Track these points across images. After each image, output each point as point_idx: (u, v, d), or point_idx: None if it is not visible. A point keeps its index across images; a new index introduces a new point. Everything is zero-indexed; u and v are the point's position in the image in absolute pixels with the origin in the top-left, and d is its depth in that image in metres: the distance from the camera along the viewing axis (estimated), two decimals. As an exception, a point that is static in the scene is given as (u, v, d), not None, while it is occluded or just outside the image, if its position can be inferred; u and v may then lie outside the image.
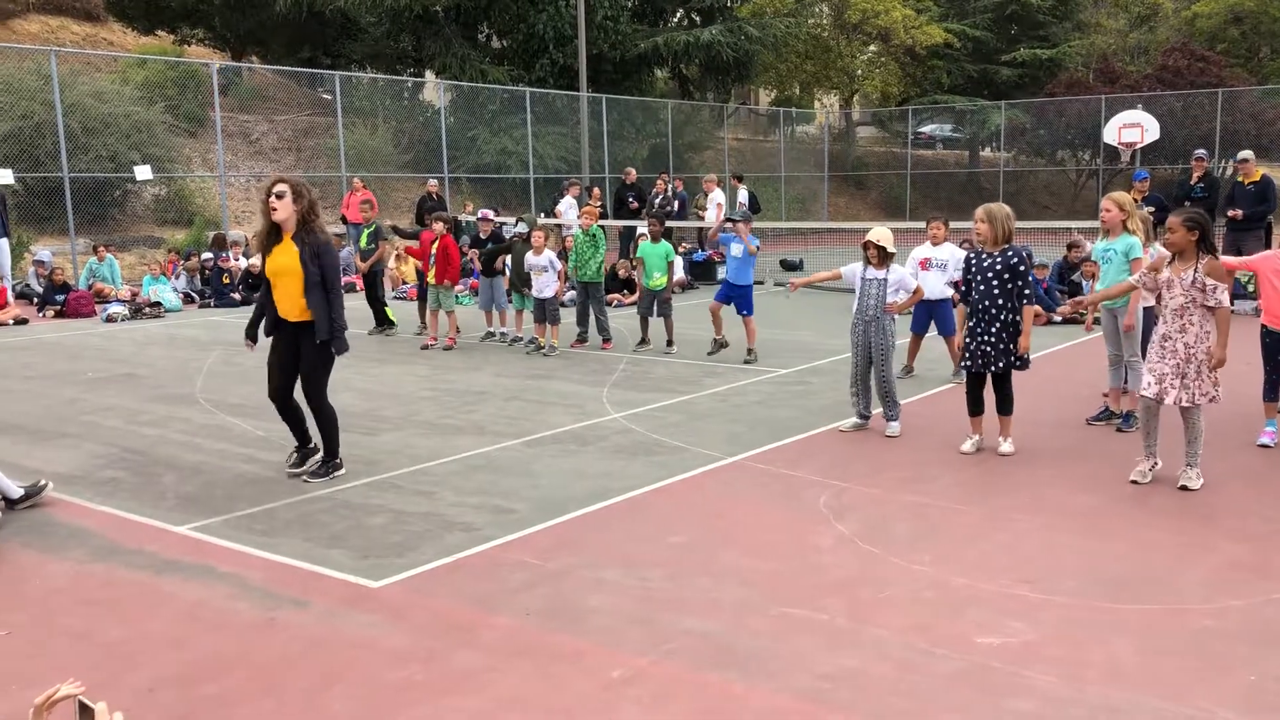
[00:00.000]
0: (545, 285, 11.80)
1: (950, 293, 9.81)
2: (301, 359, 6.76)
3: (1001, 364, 7.24)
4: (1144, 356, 6.96)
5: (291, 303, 6.63)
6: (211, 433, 8.25)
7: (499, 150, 25.77)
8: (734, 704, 3.89)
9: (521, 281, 12.20)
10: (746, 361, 10.81)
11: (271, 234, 6.64)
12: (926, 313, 9.81)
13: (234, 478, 6.96)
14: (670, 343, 11.83)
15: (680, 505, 6.31)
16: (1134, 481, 6.61)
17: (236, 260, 17.58)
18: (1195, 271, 6.33)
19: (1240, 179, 13.90)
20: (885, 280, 7.87)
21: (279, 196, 6.52)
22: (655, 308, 11.93)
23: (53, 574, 5.35)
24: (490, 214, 13.65)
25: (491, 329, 12.94)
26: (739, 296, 10.94)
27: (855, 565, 5.27)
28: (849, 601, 4.80)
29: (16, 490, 6.34)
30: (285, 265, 6.58)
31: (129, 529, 5.99)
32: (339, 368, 10.82)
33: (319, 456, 7.01)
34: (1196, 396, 6.35)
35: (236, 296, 16.73)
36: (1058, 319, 13.24)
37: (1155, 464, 6.68)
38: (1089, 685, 3.97)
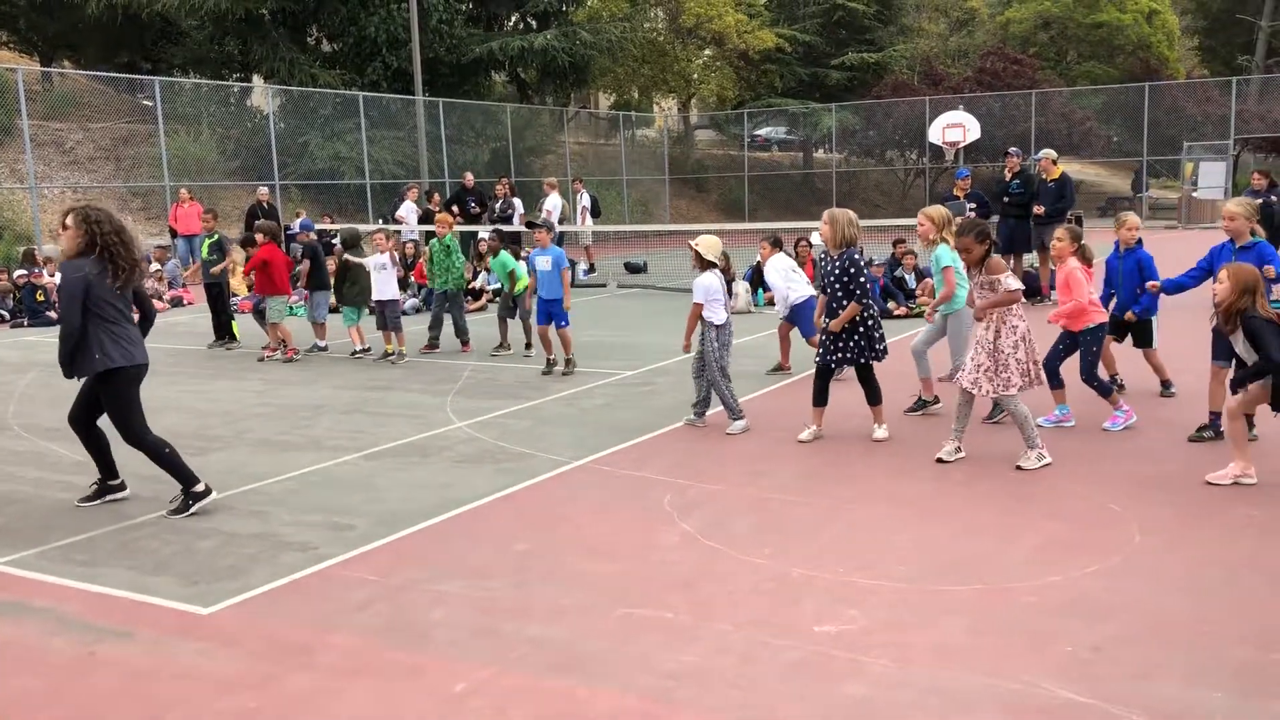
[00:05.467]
0: (385, 285, 11.55)
1: (809, 294, 9.93)
2: (102, 401, 6.32)
3: (860, 359, 7.55)
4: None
5: None
6: (26, 460, 7.77)
7: (332, 156, 25.13)
8: (578, 708, 3.88)
9: (355, 295, 11.94)
10: (565, 373, 10.48)
11: None
12: (796, 311, 10.04)
13: (50, 506, 6.56)
14: (529, 345, 11.75)
15: (525, 512, 6.26)
16: (940, 460, 7.01)
17: (52, 277, 16.61)
18: (980, 274, 6.86)
19: (1042, 176, 14.70)
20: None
21: (64, 226, 6.14)
22: (514, 309, 11.78)
23: None
24: (298, 225, 13.29)
25: (320, 343, 12.55)
26: (555, 309, 10.52)
27: (698, 562, 5.32)
28: (692, 598, 4.85)
29: None
30: None
31: (-70, 567, 5.57)
32: (164, 385, 10.40)
33: (176, 498, 6.43)
34: (1000, 388, 6.81)
35: (52, 315, 15.81)
36: (898, 313, 13.81)
37: (958, 448, 7.08)
38: (919, 667, 4.11)
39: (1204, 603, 4.65)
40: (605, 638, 4.46)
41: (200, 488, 6.40)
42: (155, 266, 18.42)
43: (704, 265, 8.00)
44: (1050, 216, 14.09)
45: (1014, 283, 6.84)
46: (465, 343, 12.15)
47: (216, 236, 13.04)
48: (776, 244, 10.41)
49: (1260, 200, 13.93)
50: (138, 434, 6.31)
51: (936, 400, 8.47)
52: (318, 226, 18.21)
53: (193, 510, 6.33)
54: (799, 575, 5.10)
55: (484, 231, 18.55)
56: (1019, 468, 6.77)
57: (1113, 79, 40.31)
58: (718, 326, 7.98)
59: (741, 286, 15.17)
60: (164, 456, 6.34)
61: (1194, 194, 31.12)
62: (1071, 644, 4.25)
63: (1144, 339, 8.54)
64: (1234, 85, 34.19)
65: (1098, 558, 5.21)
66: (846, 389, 8.50)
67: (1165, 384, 8.68)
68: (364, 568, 5.40)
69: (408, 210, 19.85)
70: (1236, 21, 50.89)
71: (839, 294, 7.49)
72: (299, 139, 25.37)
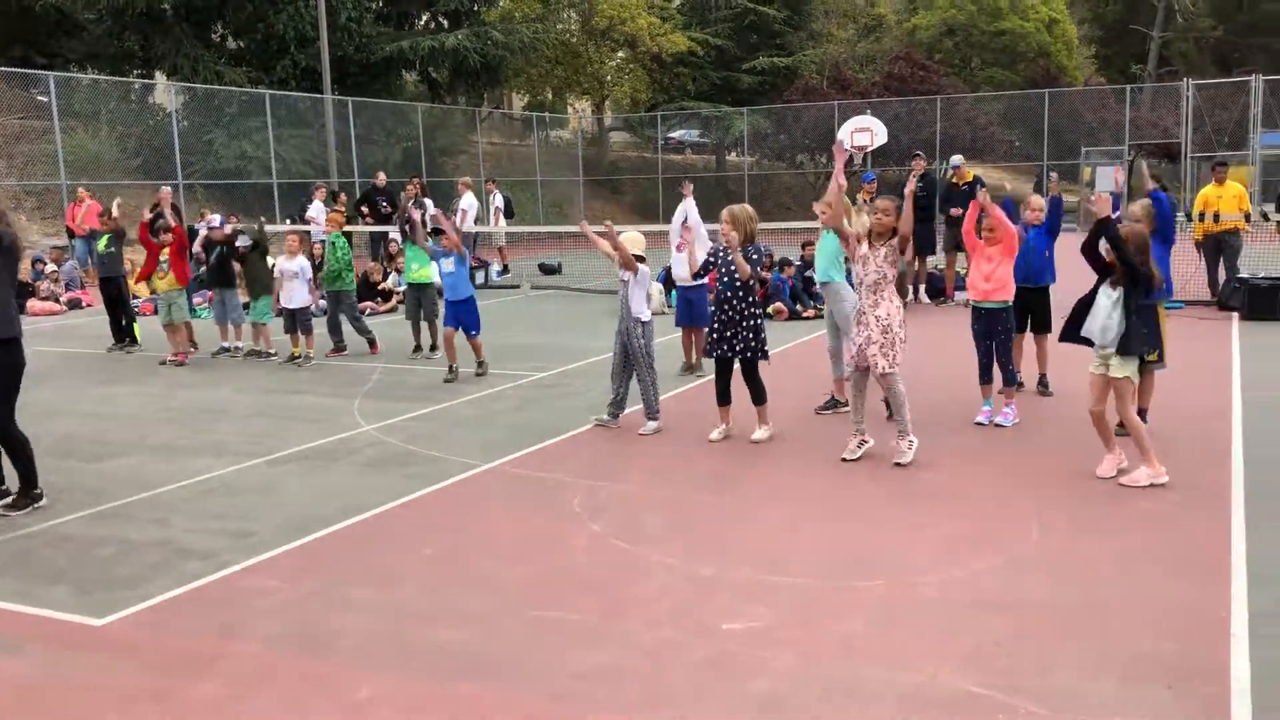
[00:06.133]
0: (295, 294, 11.35)
1: (704, 281, 10.05)
2: None
3: (746, 354, 7.62)
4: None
5: None
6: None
7: (238, 155, 24.56)
8: (486, 712, 3.86)
9: (263, 290, 11.70)
10: (478, 374, 10.29)
11: None
12: (686, 304, 10.21)
13: (-65, 517, 6.31)
14: (435, 347, 11.61)
15: (433, 517, 6.20)
16: (845, 459, 7.09)
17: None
18: (885, 248, 6.99)
19: (954, 181, 15.12)
20: (628, 282, 8.01)
21: None
22: (422, 308, 11.61)
23: None
24: (216, 220, 12.94)
25: (226, 344, 12.26)
26: (464, 312, 10.21)
27: (608, 563, 5.33)
28: (601, 599, 4.86)
29: None
30: None
31: None
32: (61, 390, 10.07)
33: (10, 498, 6.44)
34: (886, 365, 6.94)
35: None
36: (808, 315, 13.96)
37: (864, 441, 7.20)
38: (825, 663, 4.18)
39: (1100, 594, 4.80)
40: (514, 641, 4.45)
41: (38, 491, 6.45)
42: (51, 268, 17.83)
43: (629, 262, 8.01)
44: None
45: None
46: (372, 344, 11.97)
47: (117, 230, 12.65)
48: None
49: (1152, 204, 14.45)
50: (10, 420, 6.28)
51: (848, 401, 8.56)
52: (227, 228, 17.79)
53: (33, 509, 6.35)
54: (708, 574, 5.14)
55: (395, 232, 18.32)
56: (898, 464, 6.92)
57: (1015, 85, 41.37)
58: (644, 323, 8.03)
59: (655, 288, 15.21)
60: (24, 450, 6.36)
61: (1091, 197, 32.10)
62: (973, 636, 4.36)
63: (1042, 322, 8.80)
64: (1128, 93, 35.37)
65: (999, 551, 5.35)
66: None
67: (1043, 379, 8.96)
68: (268, 575, 5.29)
69: (316, 211, 19.48)
70: (1131, 32, 52.76)
71: (737, 287, 7.58)
72: (204, 137, 24.75)
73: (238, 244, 11.94)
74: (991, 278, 7.92)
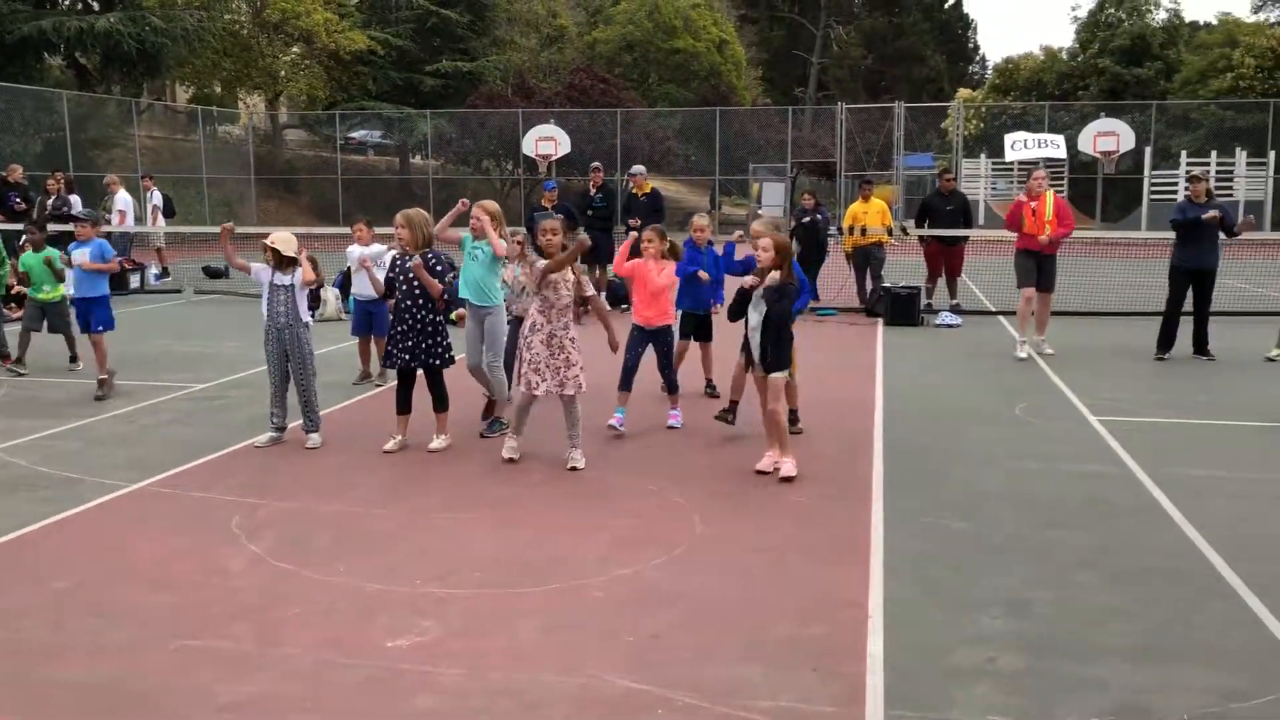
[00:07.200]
0: None
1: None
2: None
3: (431, 361, 7.50)
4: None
5: None
6: None
7: None
8: (118, 759, 3.51)
9: None
10: (98, 397, 9.19)
11: None
12: (363, 313, 9.85)
13: None
14: (74, 358, 10.53)
15: (69, 543, 5.62)
16: (508, 459, 7.15)
17: None
18: (573, 271, 7.09)
19: (634, 191, 15.58)
20: (292, 286, 7.60)
21: None
22: (46, 320, 10.48)
23: None
24: None
25: None
26: (95, 311, 9.47)
27: (267, 585, 5.03)
28: (258, 624, 4.56)
29: None
30: None
31: None
32: None
33: None
34: (572, 386, 7.05)
35: None
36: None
37: (517, 445, 7.27)
38: (491, 672, 4.12)
39: (753, 585, 5.05)
40: (156, 674, 4.09)
41: None
42: None
43: (283, 263, 7.57)
44: (644, 229, 14.91)
45: (590, 289, 7.16)
46: (4, 356, 10.73)
47: None
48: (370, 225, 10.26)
49: (807, 219, 15.56)
50: None
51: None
52: None
53: None
54: (374, 590, 4.96)
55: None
56: (574, 468, 7.02)
57: (689, 102, 43.42)
58: (308, 325, 7.67)
59: (331, 293, 14.69)
60: None
61: (759, 211, 34.23)
62: (634, 634, 4.46)
63: (704, 334, 9.21)
64: (790, 114, 38.03)
65: (663, 549, 5.51)
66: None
67: (709, 382, 9.41)
68: None
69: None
70: (793, 57, 56.92)
71: (416, 294, 7.43)
72: None
73: None
74: (654, 306, 8.23)
